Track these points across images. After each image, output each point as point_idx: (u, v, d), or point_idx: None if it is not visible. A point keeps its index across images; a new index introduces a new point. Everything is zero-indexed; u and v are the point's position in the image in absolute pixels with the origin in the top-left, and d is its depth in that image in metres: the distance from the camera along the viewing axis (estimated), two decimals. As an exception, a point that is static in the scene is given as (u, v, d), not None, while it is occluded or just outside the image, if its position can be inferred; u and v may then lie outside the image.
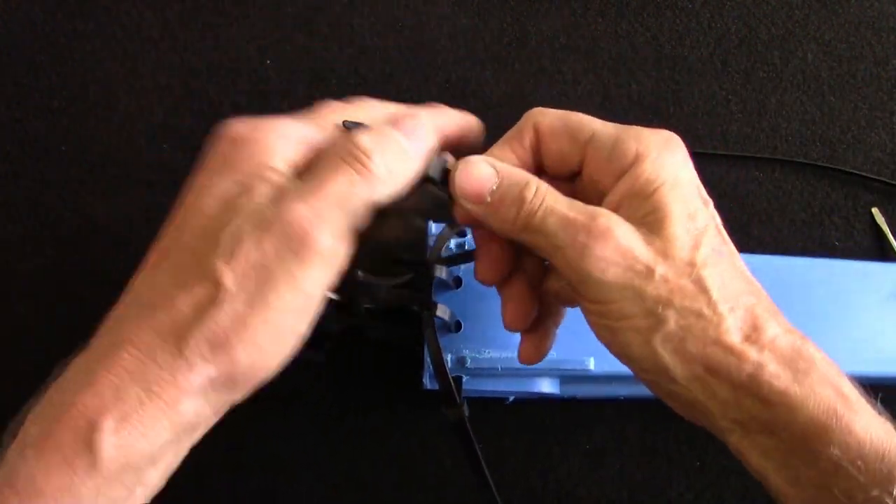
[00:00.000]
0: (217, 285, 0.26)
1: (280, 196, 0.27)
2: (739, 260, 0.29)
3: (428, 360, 0.39)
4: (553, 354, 0.39)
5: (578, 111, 0.50)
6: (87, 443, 0.25)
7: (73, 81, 0.50)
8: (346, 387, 0.46)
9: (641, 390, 0.43)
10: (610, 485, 0.45)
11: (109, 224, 0.48)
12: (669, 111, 0.50)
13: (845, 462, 0.26)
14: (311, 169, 0.28)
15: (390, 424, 0.45)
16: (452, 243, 0.42)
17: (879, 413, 0.28)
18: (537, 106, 0.50)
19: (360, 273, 0.37)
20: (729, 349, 0.27)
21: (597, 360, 0.40)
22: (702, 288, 0.27)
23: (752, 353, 0.27)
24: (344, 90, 0.50)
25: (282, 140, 0.28)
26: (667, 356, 0.28)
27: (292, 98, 0.50)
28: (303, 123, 0.30)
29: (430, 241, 0.41)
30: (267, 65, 0.50)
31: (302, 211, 0.26)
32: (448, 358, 0.39)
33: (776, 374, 0.27)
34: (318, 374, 0.44)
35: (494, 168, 0.30)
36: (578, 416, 0.45)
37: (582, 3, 0.52)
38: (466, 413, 0.37)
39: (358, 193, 0.27)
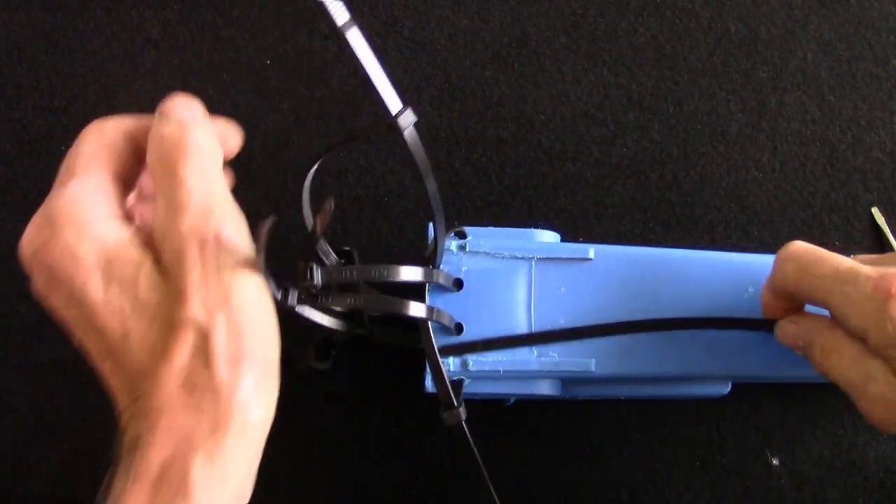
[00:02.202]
0: (192, 322, 0.28)
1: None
2: None
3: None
4: (555, 356, 0.40)
5: (579, 111, 0.50)
6: (182, 480, 0.27)
7: (74, 81, 0.50)
8: (349, 389, 0.46)
9: (641, 391, 0.43)
10: (609, 486, 0.45)
11: (109, 224, 0.48)
12: (669, 111, 0.50)
13: None
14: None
15: (392, 427, 0.45)
16: (454, 245, 0.41)
17: None
18: (536, 106, 0.50)
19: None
20: None
21: (598, 361, 0.40)
22: None
23: None
24: (344, 90, 0.50)
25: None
26: None
27: (292, 98, 0.50)
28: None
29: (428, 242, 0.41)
30: (267, 64, 0.50)
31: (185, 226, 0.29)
32: (450, 361, 0.39)
33: None
34: (320, 376, 0.44)
35: None
36: (577, 417, 0.46)
37: (582, 3, 0.52)
38: (463, 416, 0.37)
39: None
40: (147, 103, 0.49)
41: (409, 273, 0.37)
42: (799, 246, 0.36)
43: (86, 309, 0.29)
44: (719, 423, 0.46)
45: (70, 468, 0.45)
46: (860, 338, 0.33)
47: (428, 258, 0.39)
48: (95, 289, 0.29)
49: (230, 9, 0.51)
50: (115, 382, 0.29)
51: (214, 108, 0.50)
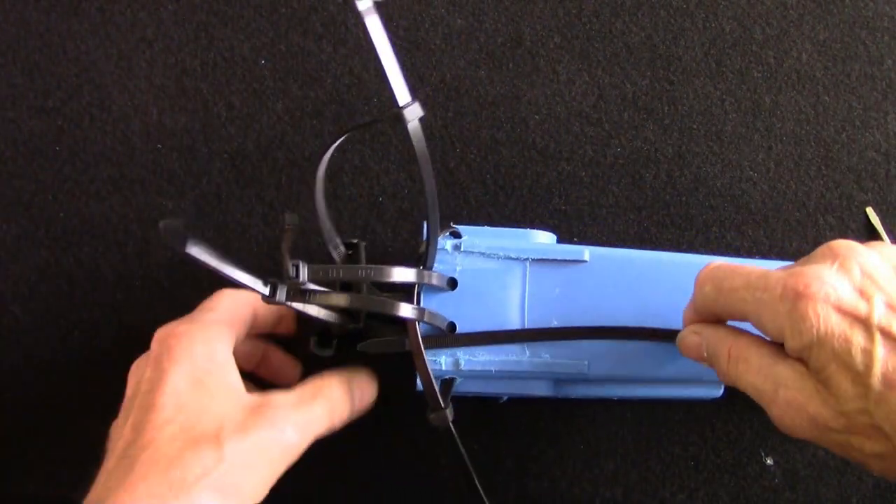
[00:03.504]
0: (219, 446, 0.33)
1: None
2: None
3: None
4: (548, 357, 0.39)
5: (573, 111, 0.50)
6: None
7: (68, 81, 0.50)
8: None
9: (634, 391, 0.43)
10: (604, 485, 0.45)
11: (104, 224, 0.48)
12: (664, 111, 0.50)
13: None
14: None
15: (385, 425, 0.45)
16: (449, 244, 0.41)
17: None
18: (531, 106, 0.50)
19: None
20: None
21: (592, 362, 0.40)
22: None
23: None
24: (338, 90, 0.50)
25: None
26: None
27: (286, 98, 0.50)
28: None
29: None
30: (261, 64, 0.50)
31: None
32: (442, 360, 0.39)
33: None
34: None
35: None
36: (572, 416, 0.46)
37: (576, 3, 0.52)
38: (451, 418, 0.37)
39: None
40: (141, 103, 0.50)
41: (400, 274, 0.37)
42: (714, 265, 0.35)
43: (163, 387, 0.35)
44: (714, 423, 0.46)
45: (68, 468, 0.45)
46: (779, 343, 0.32)
47: (420, 258, 0.39)
48: (177, 380, 0.35)
49: (224, 8, 0.51)
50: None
51: (209, 108, 0.50)
